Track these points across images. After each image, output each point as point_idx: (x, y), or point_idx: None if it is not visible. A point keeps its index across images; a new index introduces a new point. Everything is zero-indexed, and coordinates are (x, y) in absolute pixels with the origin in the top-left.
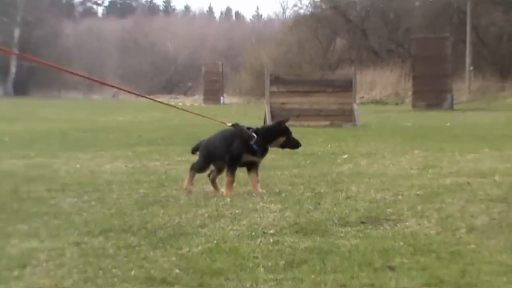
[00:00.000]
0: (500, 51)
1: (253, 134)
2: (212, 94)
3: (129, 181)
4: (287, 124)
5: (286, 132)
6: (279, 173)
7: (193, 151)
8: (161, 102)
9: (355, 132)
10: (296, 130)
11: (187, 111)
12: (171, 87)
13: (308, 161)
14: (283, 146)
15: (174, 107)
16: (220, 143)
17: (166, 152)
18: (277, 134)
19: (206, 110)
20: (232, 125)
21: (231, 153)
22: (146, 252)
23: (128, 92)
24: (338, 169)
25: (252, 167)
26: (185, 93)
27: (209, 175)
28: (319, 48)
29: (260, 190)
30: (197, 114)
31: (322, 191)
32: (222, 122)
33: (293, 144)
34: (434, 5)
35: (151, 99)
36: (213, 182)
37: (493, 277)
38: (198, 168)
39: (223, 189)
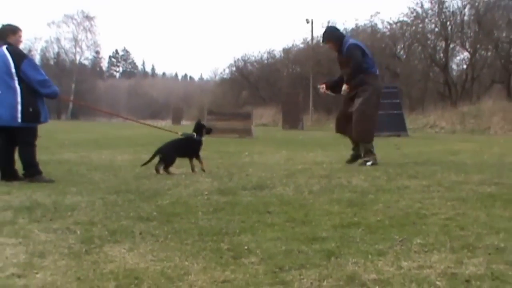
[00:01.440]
0: (328, 99)
1: (194, 133)
2: (177, 119)
3: (130, 165)
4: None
5: (203, 126)
6: (211, 162)
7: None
8: (144, 123)
9: (252, 141)
10: (220, 139)
11: (157, 127)
12: (154, 115)
13: (227, 155)
14: (207, 132)
15: (151, 126)
16: (181, 145)
17: (151, 150)
18: (201, 128)
19: (173, 128)
20: (182, 134)
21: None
22: (139, 203)
23: (128, 119)
24: (242, 160)
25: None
26: (162, 119)
27: (157, 167)
28: (233, 96)
29: (205, 167)
30: (166, 129)
31: (233, 171)
32: (176, 133)
33: (209, 130)
34: (293, 75)
35: (140, 122)
36: (158, 170)
37: (321, 217)
38: (171, 162)
39: (162, 171)
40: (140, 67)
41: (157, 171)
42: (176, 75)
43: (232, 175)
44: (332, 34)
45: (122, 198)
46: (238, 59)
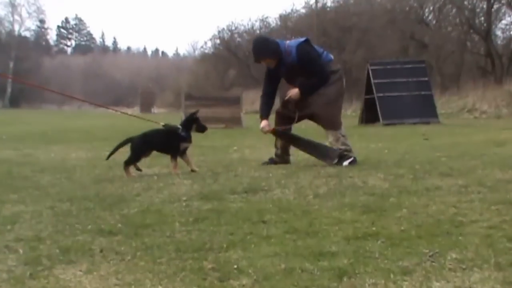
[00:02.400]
0: None
1: (179, 127)
2: (146, 106)
3: (88, 165)
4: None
5: (196, 120)
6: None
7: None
8: (114, 110)
9: (242, 132)
10: None
11: (137, 117)
12: (117, 101)
13: (210, 151)
14: (197, 130)
15: (123, 113)
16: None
17: (113, 145)
18: (192, 122)
19: (143, 116)
20: (164, 125)
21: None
22: (99, 212)
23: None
24: (230, 156)
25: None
26: (127, 106)
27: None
28: (218, 76)
29: (195, 167)
30: (143, 118)
31: (219, 171)
32: (156, 122)
33: (202, 128)
34: None
35: (106, 106)
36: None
37: (329, 226)
38: (136, 157)
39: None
40: (98, 40)
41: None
42: (144, 50)
43: (217, 176)
44: (266, 49)
45: (77, 206)
46: (223, 29)
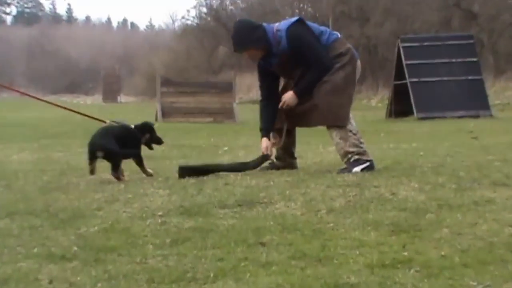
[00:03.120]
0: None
1: (131, 125)
2: (111, 94)
3: (34, 170)
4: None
5: (150, 130)
6: (168, 162)
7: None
8: (46, 101)
9: (235, 128)
10: (184, 126)
11: (69, 109)
12: (73, 87)
13: (194, 152)
14: (148, 140)
15: (56, 105)
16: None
17: (68, 144)
18: (146, 130)
19: (106, 108)
20: (118, 123)
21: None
22: (48, 232)
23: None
24: (219, 159)
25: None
26: (86, 93)
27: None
28: (204, 55)
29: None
30: (78, 112)
31: (204, 178)
32: (101, 121)
33: (157, 140)
34: None
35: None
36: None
37: (347, 251)
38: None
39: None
40: (47, 7)
41: (93, 173)
42: (108, 21)
43: (203, 184)
44: (249, 36)
45: (19, 224)
46: None
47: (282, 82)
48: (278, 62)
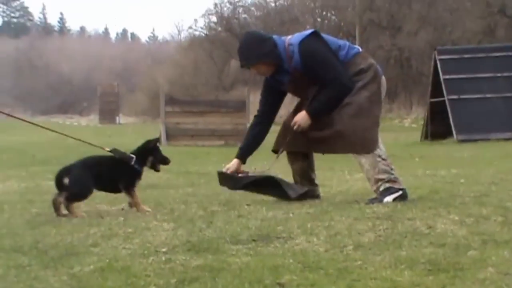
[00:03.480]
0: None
1: (132, 156)
2: (108, 114)
3: (21, 201)
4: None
5: (154, 149)
6: (173, 191)
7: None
8: (35, 124)
9: None
10: (191, 150)
11: (60, 133)
12: (66, 107)
13: (202, 180)
14: (153, 163)
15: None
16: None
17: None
18: (147, 153)
19: (102, 130)
20: (110, 151)
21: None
22: (37, 271)
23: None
24: None
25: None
26: (80, 113)
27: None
28: (214, 69)
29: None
30: (80, 140)
31: (215, 209)
32: (101, 148)
33: (164, 160)
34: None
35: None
36: (58, 206)
37: None
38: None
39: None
40: (37, 16)
41: (57, 208)
42: (106, 32)
43: (213, 216)
44: (257, 50)
45: (4, 262)
46: (221, 1)
47: (295, 102)
48: (290, 79)
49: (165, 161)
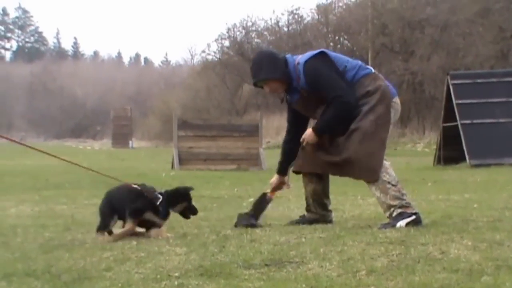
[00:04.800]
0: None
1: (159, 195)
2: (121, 138)
3: (34, 225)
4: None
5: (186, 198)
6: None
7: None
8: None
9: (262, 176)
10: (204, 174)
11: (80, 166)
12: (79, 131)
13: (215, 205)
14: (183, 211)
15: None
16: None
17: (73, 195)
18: (180, 198)
19: (115, 154)
20: (139, 185)
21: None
22: None
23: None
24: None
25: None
26: (93, 137)
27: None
28: (226, 93)
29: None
30: (99, 173)
31: (227, 233)
32: (118, 180)
33: (193, 210)
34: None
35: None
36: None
37: None
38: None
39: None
40: (51, 41)
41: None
42: (119, 56)
43: (225, 241)
44: (268, 67)
45: (18, 286)
46: (234, 26)
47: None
48: (299, 98)
49: (195, 211)
